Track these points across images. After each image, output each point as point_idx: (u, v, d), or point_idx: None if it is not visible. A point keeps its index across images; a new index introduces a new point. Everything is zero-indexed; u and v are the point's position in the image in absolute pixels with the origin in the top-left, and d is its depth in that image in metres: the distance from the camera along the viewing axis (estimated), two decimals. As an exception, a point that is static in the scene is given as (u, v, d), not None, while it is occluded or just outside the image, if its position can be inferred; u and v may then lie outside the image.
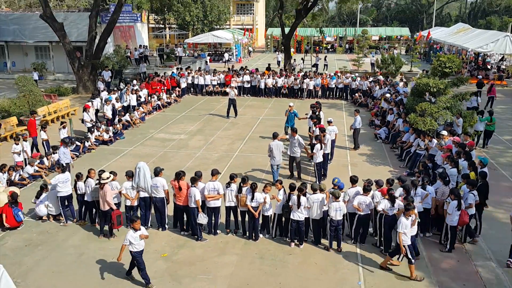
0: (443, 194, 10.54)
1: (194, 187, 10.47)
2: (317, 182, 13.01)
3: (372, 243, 10.53)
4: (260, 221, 10.75)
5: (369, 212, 10.34)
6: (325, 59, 39.92)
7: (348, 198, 10.37)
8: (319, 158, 13.73)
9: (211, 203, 10.66)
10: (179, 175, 10.63)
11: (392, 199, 9.82)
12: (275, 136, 13.89)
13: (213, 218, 10.87)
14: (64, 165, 12.29)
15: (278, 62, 39.69)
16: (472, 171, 11.52)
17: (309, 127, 17.35)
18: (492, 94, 23.87)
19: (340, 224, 10.08)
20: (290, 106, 18.00)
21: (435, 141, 14.39)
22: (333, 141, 15.50)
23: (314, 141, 14.18)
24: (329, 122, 15.91)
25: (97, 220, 11.29)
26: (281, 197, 10.49)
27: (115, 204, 10.92)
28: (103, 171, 11.02)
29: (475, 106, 21.09)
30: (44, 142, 16.29)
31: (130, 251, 8.68)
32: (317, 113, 17.13)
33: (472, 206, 10.19)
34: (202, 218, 10.44)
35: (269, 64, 36.74)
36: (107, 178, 10.66)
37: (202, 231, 10.88)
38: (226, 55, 43.63)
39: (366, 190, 10.17)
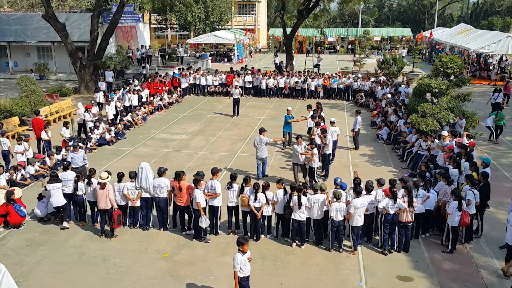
0: (445, 194, 10.53)
1: (197, 188, 10.43)
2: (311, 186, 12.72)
3: (373, 244, 10.53)
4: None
5: (373, 211, 10.33)
6: (354, 56, 40.36)
7: (351, 198, 10.35)
8: (315, 163, 13.49)
9: (210, 201, 10.68)
10: (179, 176, 10.63)
11: (394, 197, 9.83)
12: (260, 131, 14.41)
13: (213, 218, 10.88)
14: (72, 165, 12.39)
15: (276, 65, 39.16)
16: (474, 172, 11.52)
17: (309, 128, 17.30)
18: (507, 91, 24.22)
19: (342, 224, 10.07)
20: (288, 110, 17.46)
21: (437, 141, 14.38)
22: (335, 142, 15.49)
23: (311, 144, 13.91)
24: (332, 123, 15.91)
25: (98, 219, 11.31)
26: (281, 196, 10.50)
27: (122, 205, 11.03)
28: (108, 172, 11.11)
29: (498, 102, 21.66)
30: (44, 142, 16.31)
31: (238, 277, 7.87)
32: (319, 113, 17.11)
33: (471, 203, 10.17)
34: (204, 222, 10.31)
35: (281, 62, 36.59)
36: (106, 178, 10.67)
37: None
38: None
39: (358, 192, 9.95)
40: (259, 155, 14.30)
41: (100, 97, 21.09)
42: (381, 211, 10.09)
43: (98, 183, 10.78)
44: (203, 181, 10.70)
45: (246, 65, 30.88)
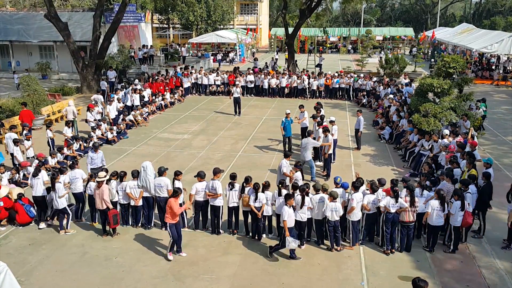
0: (448, 193, 10.49)
1: (286, 205, 9.57)
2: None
3: (375, 243, 10.53)
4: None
5: (375, 211, 10.32)
6: (380, 52, 40.33)
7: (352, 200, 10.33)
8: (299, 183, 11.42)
9: (211, 201, 10.72)
10: (176, 193, 9.91)
11: (395, 196, 9.83)
12: (309, 133, 14.67)
13: (214, 217, 10.91)
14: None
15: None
16: (473, 169, 11.50)
17: (302, 128, 17.25)
18: None
19: (338, 224, 10.06)
20: (287, 113, 16.81)
21: (440, 141, 14.33)
22: (335, 141, 15.44)
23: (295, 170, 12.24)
24: (332, 122, 15.87)
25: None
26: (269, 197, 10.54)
27: (124, 204, 11.10)
28: (114, 173, 11.26)
29: None
30: (50, 140, 16.36)
31: None
32: (321, 113, 17.09)
33: (469, 205, 10.17)
34: (291, 243, 9.48)
35: (266, 66, 36.56)
36: (103, 176, 10.66)
37: (207, 230, 10.93)
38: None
39: (356, 187, 10.10)
40: (303, 157, 14.15)
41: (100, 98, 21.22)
42: (382, 210, 10.09)
43: (96, 181, 10.79)
44: (205, 181, 10.74)
45: (238, 67, 30.65)
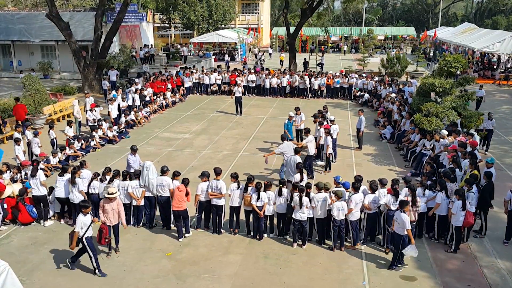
0: (451, 193, 10.47)
1: (404, 212, 9.13)
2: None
3: (377, 242, 10.52)
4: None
5: (376, 211, 10.31)
6: (393, 50, 40.70)
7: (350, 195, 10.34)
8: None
9: (214, 201, 10.72)
10: (187, 183, 10.56)
11: (395, 194, 9.81)
12: (282, 138, 13.85)
13: (217, 217, 10.92)
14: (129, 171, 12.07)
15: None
16: (475, 170, 11.47)
17: (296, 130, 17.19)
18: None
19: (343, 223, 10.06)
20: (290, 116, 16.54)
21: (442, 141, 14.29)
22: (334, 140, 15.41)
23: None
24: (331, 121, 15.86)
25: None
26: (285, 193, 10.53)
27: (126, 204, 11.05)
28: (109, 168, 11.32)
29: None
30: (54, 140, 16.38)
31: None
32: (323, 113, 17.06)
33: (471, 205, 10.16)
34: (411, 250, 9.11)
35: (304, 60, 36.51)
36: (112, 194, 9.70)
37: (206, 229, 10.95)
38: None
39: (356, 188, 10.09)
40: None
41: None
42: (383, 210, 10.09)
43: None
44: (206, 181, 10.75)
45: (232, 67, 30.45)
